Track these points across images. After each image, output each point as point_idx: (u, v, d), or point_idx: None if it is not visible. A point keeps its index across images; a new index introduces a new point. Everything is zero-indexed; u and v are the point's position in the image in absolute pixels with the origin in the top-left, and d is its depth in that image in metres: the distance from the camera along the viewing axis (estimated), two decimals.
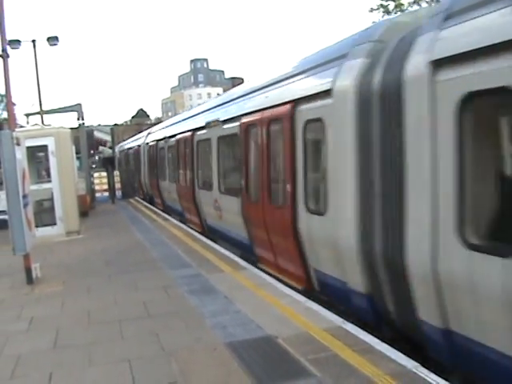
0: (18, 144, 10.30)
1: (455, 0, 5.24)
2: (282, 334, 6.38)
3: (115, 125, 70.71)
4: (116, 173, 31.09)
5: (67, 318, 7.96)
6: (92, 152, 34.54)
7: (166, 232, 15.68)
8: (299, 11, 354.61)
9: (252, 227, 10.76)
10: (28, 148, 14.25)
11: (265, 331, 6.54)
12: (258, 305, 7.65)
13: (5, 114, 45.40)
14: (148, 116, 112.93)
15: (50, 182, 16.56)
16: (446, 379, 4.94)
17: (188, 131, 16.63)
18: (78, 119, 26.32)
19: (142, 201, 28.65)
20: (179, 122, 20.30)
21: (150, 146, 25.83)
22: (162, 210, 22.78)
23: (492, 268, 4.42)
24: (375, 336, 6.09)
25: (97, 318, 7.84)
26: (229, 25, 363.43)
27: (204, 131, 14.57)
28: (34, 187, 13.95)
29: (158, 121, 63.11)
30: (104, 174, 30.37)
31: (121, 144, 43.76)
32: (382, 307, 6.55)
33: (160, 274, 10.23)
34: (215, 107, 14.46)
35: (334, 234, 7.15)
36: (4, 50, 10.73)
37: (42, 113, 28.33)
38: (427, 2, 33.83)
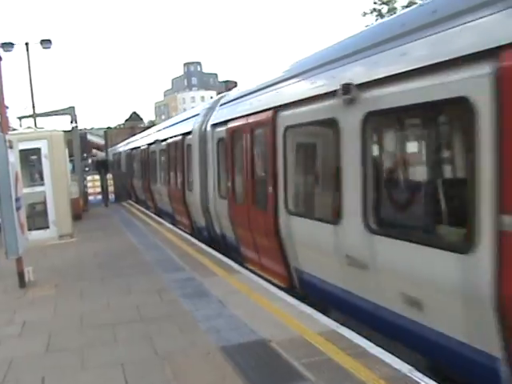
0: (11, 147, 10.24)
1: (221, 97, 11.34)
2: (276, 337, 6.36)
3: (108, 128, 70.60)
4: (109, 176, 31.03)
5: (60, 322, 7.92)
6: (85, 155, 34.46)
7: (159, 235, 15.64)
8: (293, 15, 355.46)
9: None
10: (21, 151, 14.18)
11: (259, 335, 6.52)
12: (252, 309, 7.64)
13: None
14: (141, 119, 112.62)
15: (42, 185, 16.49)
16: (440, 383, 4.95)
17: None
18: (71, 122, 26.24)
19: (135, 204, 28.62)
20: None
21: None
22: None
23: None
24: (369, 340, 6.09)
25: (90, 321, 7.80)
26: (222, 28, 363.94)
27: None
28: (26, 190, 13.88)
29: (152, 124, 63.02)
30: (97, 177, 30.32)
31: (114, 147, 43.71)
32: None
33: (153, 277, 10.20)
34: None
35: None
36: None
37: (35, 116, 28.25)
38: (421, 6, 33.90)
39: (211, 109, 13.78)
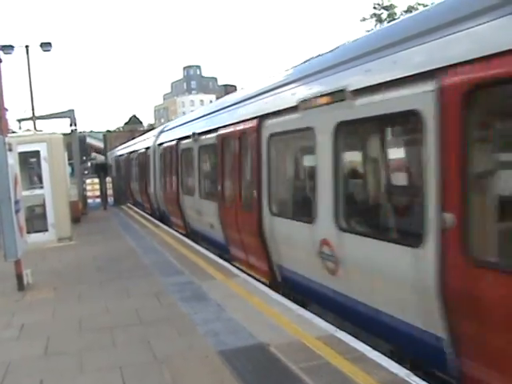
0: (10, 149, 10.26)
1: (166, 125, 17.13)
2: (274, 341, 6.37)
3: (108, 131, 70.56)
4: (108, 179, 31.04)
5: (58, 325, 7.92)
6: (84, 158, 34.47)
7: (157, 238, 15.64)
8: (292, 19, 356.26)
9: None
10: (20, 154, 14.20)
11: (257, 339, 6.53)
12: (250, 312, 7.65)
13: None
14: (141, 122, 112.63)
15: (42, 188, 16.49)
16: None
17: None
18: (71, 125, 26.23)
19: (133, 207, 28.66)
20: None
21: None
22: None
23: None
24: (367, 344, 6.10)
25: (88, 324, 7.80)
26: (222, 32, 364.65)
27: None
28: (25, 193, 13.89)
29: (151, 127, 63.02)
30: (96, 180, 30.34)
31: (113, 150, 43.78)
32: None
33: (152, 280, 10.20)
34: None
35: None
36: None
37: (34, 118, 28.28)
38: None
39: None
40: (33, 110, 29.44)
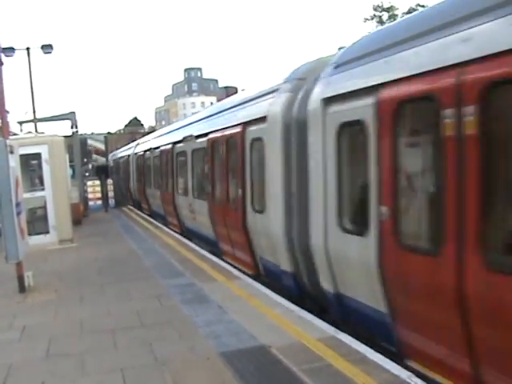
0: (12, 152, 10.27)
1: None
2: (276, 343, 6.38)
3: (109, 133, 70.56)
4: (109, 181, 31.06)
5: (60, 327, 7.93)
6: (85, 160, 34.47)
7: (159, 241, 15.66)
8: (294, 20, 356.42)
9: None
10: (21, 156, 14.18)
11: (258, 341, 6.54)
12: (252, 314, 7.66)
13: None
14: (142, 125, 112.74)
15: (43, 190, 16.50)
16: None
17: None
18: (72, 127, 26.23)
19: (134, 209, 28.71)
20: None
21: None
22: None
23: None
24: (369, 346, 6.11)
25: (89, 327, 7.81)
26: (223, 34, 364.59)
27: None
28: (27, 195, 13.90)
29: (152, 129, 63.04)
30: (97, 182, 30.34)
31: (114, 153, 43.84)
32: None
33: (153, 283, 10.21)
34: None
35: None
36: None
37: (35, 121, 28.24)
38: None
39: None
40: (34, 112, 29.40)
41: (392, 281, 5.87)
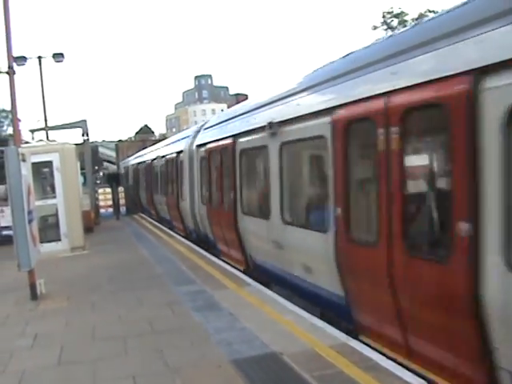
0: (24, 160, 10.35)
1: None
2: (288, 350, 6.36)
3: (119, 141, 70.86)
4: (120, 189, 31.16)
5: (72, 334, 7.95)
6: (96, 168, 34.66)
7: (170, 248, 15.70)
8: (304, 28, 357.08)
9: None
10: (33, 164, 14.34)
11: (270, 348, 6.52)
12: (263, 321, 7.64)
13: (10, 130, 45.56)
14: (152, 132, 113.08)
15: (54, 197, 16.61)
16: None
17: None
18: (83, 135, 26.40)
19: (146, 217, 28.76)
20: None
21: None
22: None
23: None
24: (380, 353, 6.08)
25: (101, 334, 7.83)
26: (233, 41, 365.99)
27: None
28: (38, 203, 14.00)
29: (162, 137, 63.19)
30: (108, 189, 30.47)
31: (125, 160, 44.01)
32: None
33: (165, 290, 10.22)
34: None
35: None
36: (10, 67, 10.82)
37: (47, 129, 28.47)
38: None
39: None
40: (45, 120, 29.67)
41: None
